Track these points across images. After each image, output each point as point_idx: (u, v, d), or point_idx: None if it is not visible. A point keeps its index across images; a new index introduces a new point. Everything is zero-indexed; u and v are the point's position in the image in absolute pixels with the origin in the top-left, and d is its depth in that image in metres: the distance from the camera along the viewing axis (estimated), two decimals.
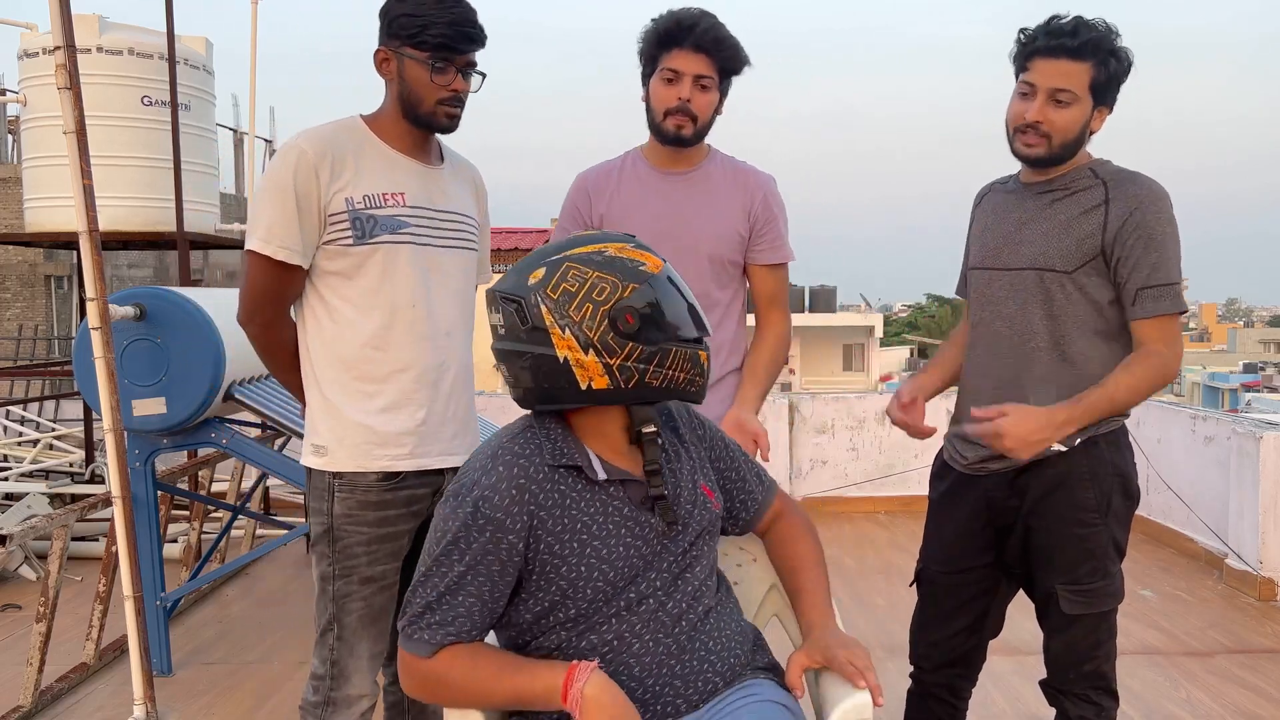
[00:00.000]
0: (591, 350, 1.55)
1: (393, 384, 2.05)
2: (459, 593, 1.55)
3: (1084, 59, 2.01)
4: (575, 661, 1.53)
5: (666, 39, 2.28)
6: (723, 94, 2.36)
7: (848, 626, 1.91)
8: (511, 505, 1.55)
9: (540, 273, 1.59)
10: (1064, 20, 2.04)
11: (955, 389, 2.37)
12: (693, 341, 1.61)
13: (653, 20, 2.32)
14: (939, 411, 2.94)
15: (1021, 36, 2.08)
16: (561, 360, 1.56)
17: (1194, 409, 6.10)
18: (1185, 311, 2.05)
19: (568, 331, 1.56)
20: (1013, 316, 2.14)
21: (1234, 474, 4.87)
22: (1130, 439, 2.17)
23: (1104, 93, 2.05)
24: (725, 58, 2.29)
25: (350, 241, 2.00)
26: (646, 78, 2.35)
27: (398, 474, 2.06)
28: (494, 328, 1.65)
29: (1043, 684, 2.25)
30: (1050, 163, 2.09)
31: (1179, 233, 2.05)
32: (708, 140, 2.44)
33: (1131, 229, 2.02)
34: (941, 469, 2.31)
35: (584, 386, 1.57)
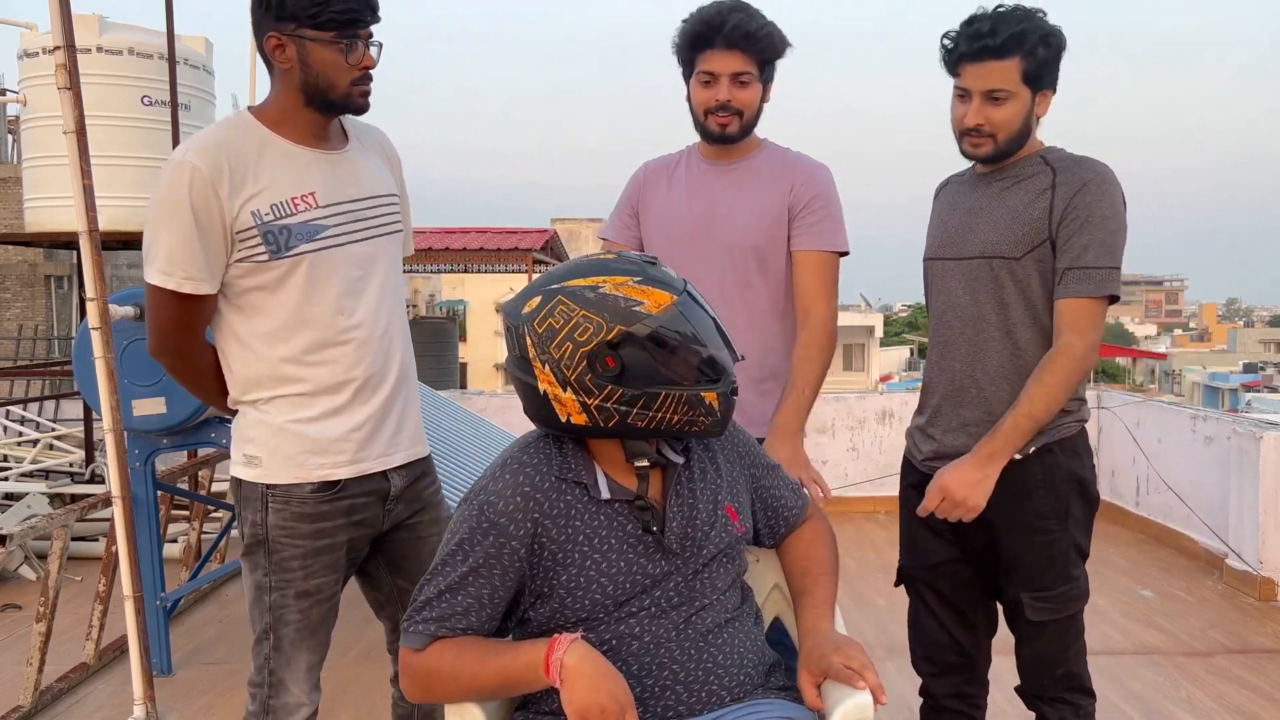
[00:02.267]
0: (569, 388, 1.54)
1: (330, 394, 1.94)
2: (459, 592, 1.56)
3: (1009, 55, 2.00)
4: (556, 635, 1.51)
5: (697, 41, 2.24)
6: (766, 82, 2.30)
7: (848, 626, 1.91)
8: (516, 511, 1.57)
9: (534, 302, 1.57)
10: (982, 19, 2.02)
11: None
12: (699, 383, 1.55)
13: (683, 21, 2.27)
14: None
15: (946, 43, 2.08)
16: (541, 392, 1.56)
17: (1194, 409, 6.10)
18: (1115, 298, 2.02)
19: (547, 367, 1.54)
20: (964, 307, 2.14)
21: (1234, 474, 4.87)
22: (1089, 443, 2.17)
23: (1039, 79, 2.04)
24: (760, 50, 2.23)
25: (265, 257, 1.85)
26: (686, 78, 2.31)
27: (336, 483, 1.95)
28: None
29: (1019, 690, 2.25)
30: (999, 158, 2.10)
31: (1122, 218, 2.04)
32: (760, 132, 2.39)
33: (1071, 210, 2.02)
34: (905, 464, 2.32)
35: (563, 420, 1.57)
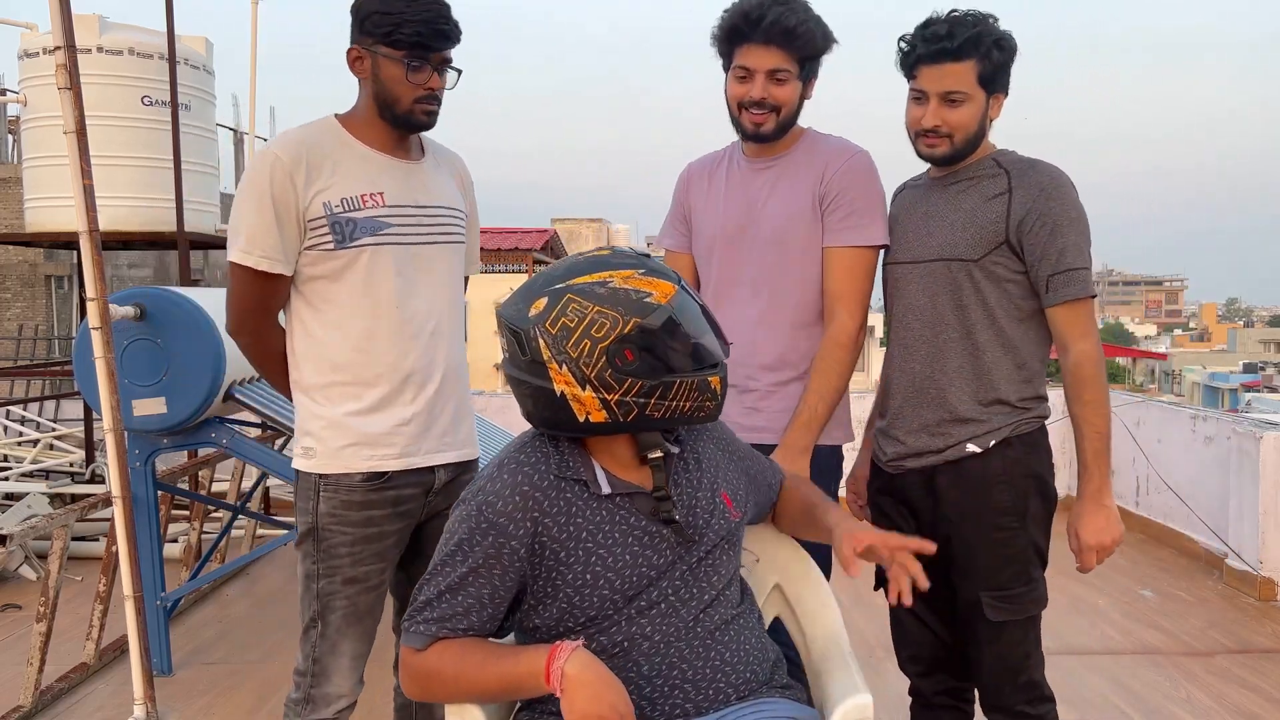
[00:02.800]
0: (589, 386, 1.53)
1: (379, 385, 2.04)
2: (459, 592, 1.56)
3: (966, 58, 2.03)
4: (558, 642, 1.51)
5: (735, 35, 2.16)
6: (807, 79, 2.20)
7: (848, 626, 1.91)
8: (515, 511, 1.56)
9: (541, 304, 1.56)
10: (938, 23, 2.05)
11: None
12: (703, 369, 1.57)
13: (723, 12, 2.20)
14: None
15: (903, 45, 2.10)
16: (558, 394, 1.56)
17: (1194, 409, 6.10)
18: (1094, 295, 2.07)
19: (564, 367, 1.54)
20: (923, 309, 2.15)
21: (1234, 474, 4.87)
22: (1048, 440, 2.18)
23: (993, 82, 2.07)
24: (799, 46, 2.14)
25: (331, 246, 1.99)
26: (726, 69, 2.24)
27: (384, 474, 2.05)
28: (502, 349, 1.65)
29: (983, 705, 2.20)
30: (957, 159, 2.12)
31: (1086, 218, 2.08)
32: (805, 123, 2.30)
33: (1035, 217, 2.04)
34: (872, 468, 2.33)
35: (581, 420, 1.57)
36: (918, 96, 2.09)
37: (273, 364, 2.13)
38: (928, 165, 2.21)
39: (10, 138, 14.55)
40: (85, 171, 2.75)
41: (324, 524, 2.04)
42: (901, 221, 2.24)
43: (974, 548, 2.11)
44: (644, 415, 1.56)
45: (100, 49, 5.36)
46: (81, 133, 2.74)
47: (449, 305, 2.14)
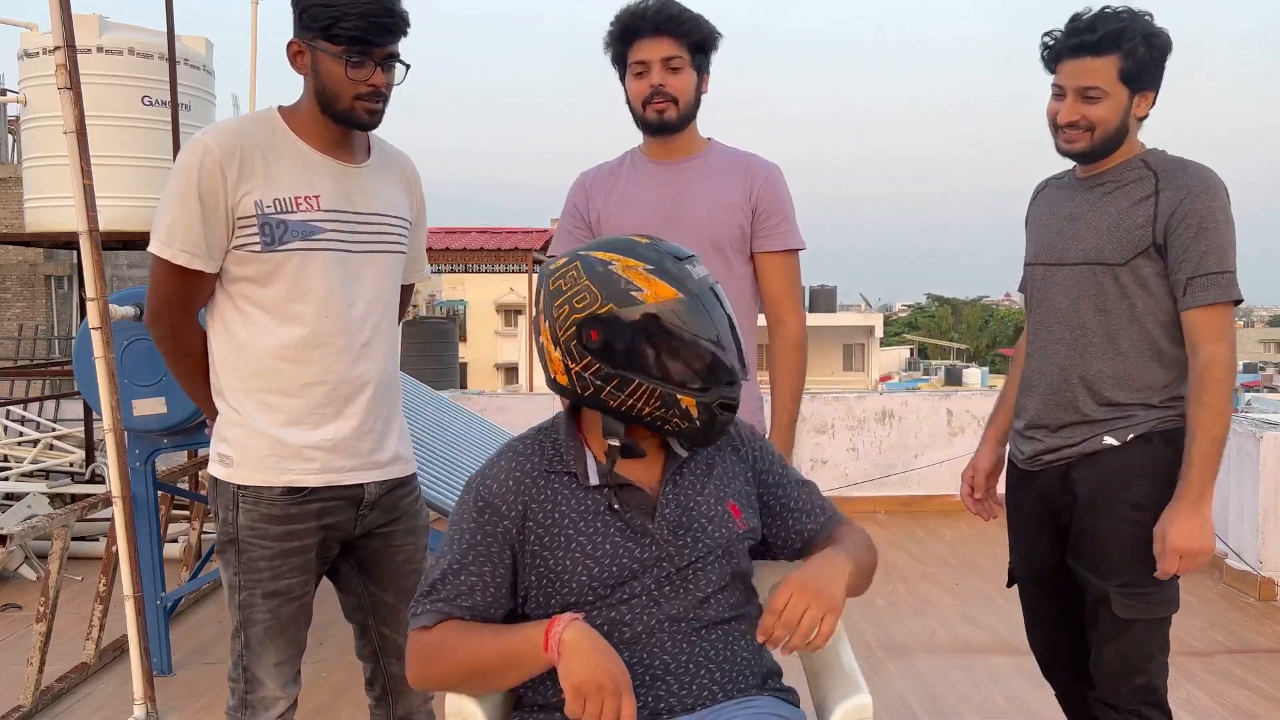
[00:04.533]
0: (559, 349, 1.60)
1: (302, 397, 1.96)
2: (462, 573, 1.61)
3: (1107, 53, 1.99)
4: (557, 615, 1.53)
5: (627, 34, 2.28)
6: (700, 71, 2.31)
7: (848, 626, 1.91)
8: (508, 494, 1.63)
9: (561, 261, 1.63)
10: (1083, 17, 2.02)
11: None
12: (680, 386, 1.55)
13: (613, 19, 2.31)
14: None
15: (1047, 40, 2.08)
16: (539, 344, 1.65)
17: None
18: (1239, 301, 2.01)
19: (547, 323, 1.62)
20: (1065, 311, 2.13)
21: (1234, 474, 4.87)
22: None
23: (1138, 79, 2.02)
24: (686, 32, 2.25)
25: (259, 248, 1.89)
26: (622, 77, 2.34)
27: (304, 488, 1.97)
28: None
29: (1093, 698, 2.16)
30: (1096, 156, 2.08)
31: (1232, 222, 2.03)
32: (710, 135, 2.42)
33: (1181, 218, 1.99)
34: (1009, 467, 2.31)
35: (551, 376, 1.64)
36: (1056, 93, 2.07)
37: (186, 363, 2.03)
38: (1072, 164, 2.18)
39: (10, 138, 14.54)
40: (85, 171, 2.75)
41: (244, 536, 1.97)
42: (1044, 222, 2.22)
43: (1106, 540, 2.07)
44: (600, 399, 1.59)
45: (100, 49, 5.35)
46: (81, 133, 2.74)
47: (383, 316, 2.04)
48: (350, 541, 2.10)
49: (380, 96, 1.93)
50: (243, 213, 1.88)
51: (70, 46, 2.71)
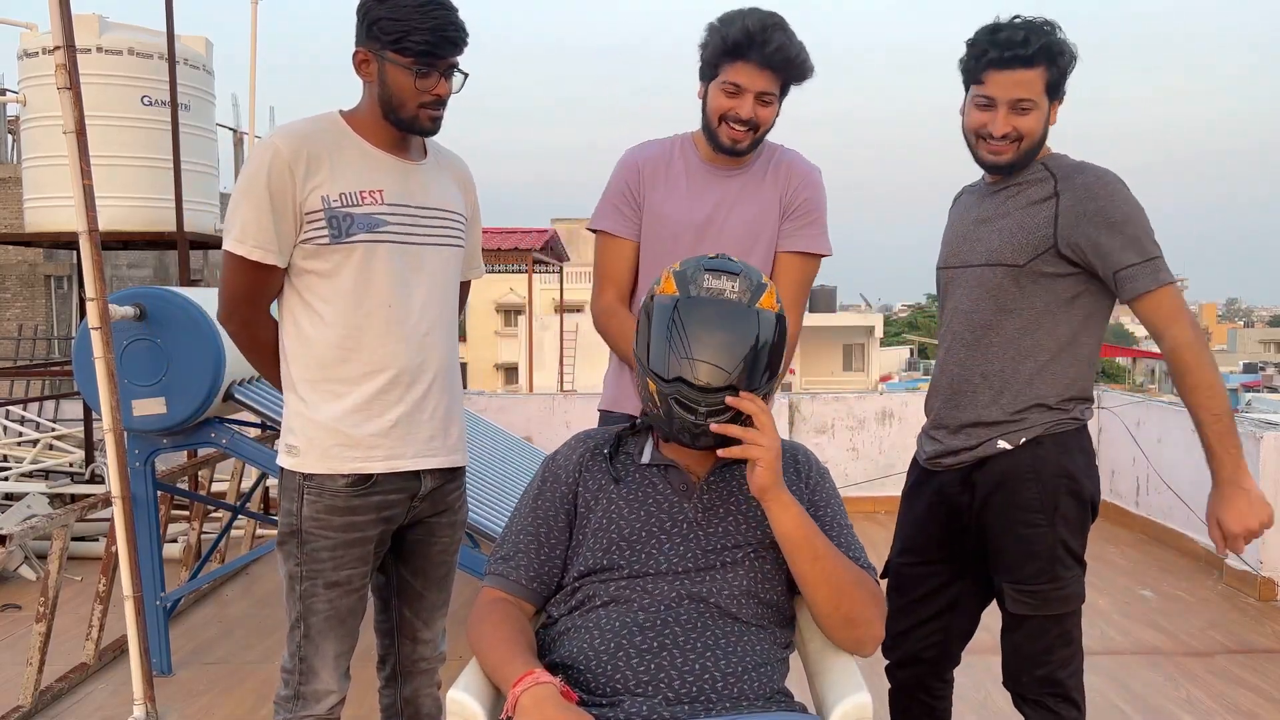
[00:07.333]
0: None
1: (365, 385, 2.02)
2: (522, 532, 1.80)
3: (1038, 65, 2.01)
4: (535, 669, 1.54)
5: (734, 50, 2.15)
6: (781, 100, 2.27)
7: None
8: (569, 464, 1.84)
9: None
10: (1011, 28, 2.02)
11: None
12: (651, 372, 1.70)
13: (720, 21, 2.19)
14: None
15: (972, 49, 2.06)
16: None
17: None
18: (1171, 282, 2.01)
19: None
20: (968, 312, 2.16)
21: None
22: (1090, 442, 2.17)
23: (1057, 89, 2.06)
24: (794, 75, 2.21)
25: (326, 240, 1.98)
26: (705, 78, 2.24)
27: (369, 477, 2.04)
28: None
29: (1005, 686, 2.24)
30: (1019, 167, 2.10)
31: (1141, 212, 2.04)
32: None
33: (1088, 219, 2.02)
34: (911, 463, 2.36)
35: None
36: (984, 103, 2.06)
37: (262, 354, 2.12)
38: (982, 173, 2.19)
39: (10, 138, 14.54)
40: (85, 171, 2.75)
41: (307, 527, 2.03)
42: (956, 227, 2.24)
43: (1000, 540, 2.13)
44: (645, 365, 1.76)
45: (100, 49, 5.36)
46: (81, 133, 2.74)
47: (443, 307, 2.13)
48: (401, 531, 2.18)
49: (443, 104, 2.02)
50: (310, 208, 1.97)
51: (70, 46, 2.71)
